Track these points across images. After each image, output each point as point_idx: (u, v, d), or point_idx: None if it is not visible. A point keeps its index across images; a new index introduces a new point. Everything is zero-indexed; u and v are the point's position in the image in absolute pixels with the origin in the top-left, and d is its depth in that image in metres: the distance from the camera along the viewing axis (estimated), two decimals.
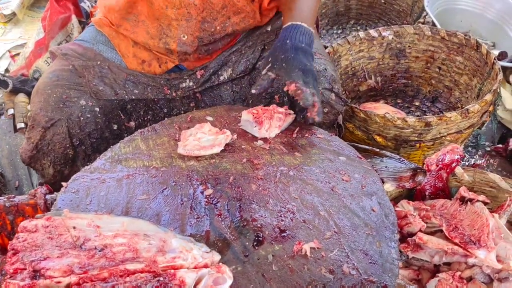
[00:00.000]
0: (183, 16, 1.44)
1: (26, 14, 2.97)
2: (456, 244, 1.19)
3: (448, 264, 1.27)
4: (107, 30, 1.55)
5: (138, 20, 1.49)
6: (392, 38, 2.07)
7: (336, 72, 1.48)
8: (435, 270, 1.27)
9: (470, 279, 1.21)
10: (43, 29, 2.43)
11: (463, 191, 1.32)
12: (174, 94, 1.57)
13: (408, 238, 1.26)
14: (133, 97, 1.53)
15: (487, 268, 1.19)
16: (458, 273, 1.21)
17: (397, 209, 1.34)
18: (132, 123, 1.55)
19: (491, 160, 2.01)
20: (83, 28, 2.46)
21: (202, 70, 1.56)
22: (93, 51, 1.54)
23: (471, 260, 1.18)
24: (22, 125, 2.14)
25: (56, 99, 1.42)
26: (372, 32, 2.06)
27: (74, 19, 2.44)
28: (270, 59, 1.31)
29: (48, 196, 1.24)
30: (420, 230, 1.26)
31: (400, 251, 1.31)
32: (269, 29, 1.59)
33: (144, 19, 1.48)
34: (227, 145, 1.24)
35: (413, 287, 1.20)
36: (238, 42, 1.60)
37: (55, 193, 1.24)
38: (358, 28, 2.90)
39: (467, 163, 2.00)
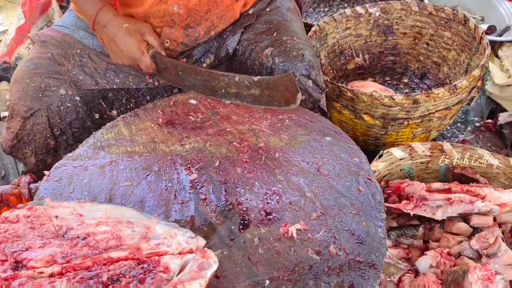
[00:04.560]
0: (166, 23, 1.44)
1: (8, 1, 2.89)
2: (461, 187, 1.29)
3: (437, 241, 1.28)
4: None
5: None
6: (379, 15, 2.04)
7: (316, 57, 1.44)
8: (425, 247, 1.28)
9: (458, 255, 1.22)
10: (23, 15, 2.37)
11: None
12: (156, 83, 1.53)
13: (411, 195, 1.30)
14: (114, 86, 1.49)
15: (475, 243, 1.20)
16: (446, 250, 1.21)
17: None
18: (114, 112, 1.52)
19: (480, 136, 2.01)
20: (63, 13, 2.39)
21: (185, 58, 1.53)
22: (73, 38, 1.50)
23: (477, 205, 1.22)
24: (6, 113, 2.10)
25: (34, 88, 1.38)
26: (359, 9, 2.03)
27: (54, 3, 2.38)
28: None
29: (32, 185, 1.22)
30: None
31: (392, 229, 1.32)
32: (250, 12, 1.56)
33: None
34: (211, 128, 1.22)
35: (403, 266, 1.20)
36: None
37: (39, 182, 1.21)
38: (345, 5, 2.85)
39: (456, 139, 2.00)
